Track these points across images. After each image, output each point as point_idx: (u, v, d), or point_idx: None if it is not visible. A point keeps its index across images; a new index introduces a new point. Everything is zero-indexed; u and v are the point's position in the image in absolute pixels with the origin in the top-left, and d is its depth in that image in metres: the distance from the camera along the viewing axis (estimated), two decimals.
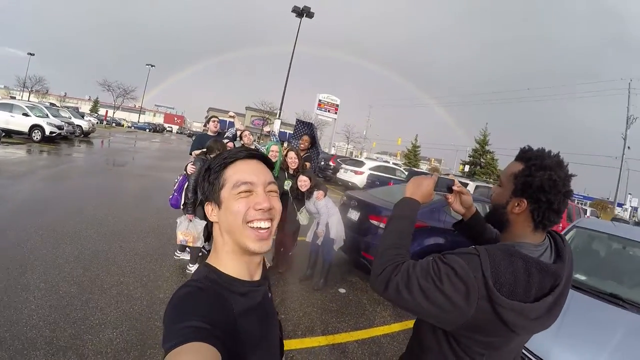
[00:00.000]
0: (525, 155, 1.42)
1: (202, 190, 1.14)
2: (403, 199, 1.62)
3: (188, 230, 5.40)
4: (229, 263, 1.08)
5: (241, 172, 1.09)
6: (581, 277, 4.11)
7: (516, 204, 1.40)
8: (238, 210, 1.05)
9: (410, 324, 4.98)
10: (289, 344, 4.16)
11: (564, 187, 1.34)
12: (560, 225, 11.13)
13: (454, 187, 1.76)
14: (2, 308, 3.90)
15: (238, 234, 1.06)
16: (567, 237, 4.77)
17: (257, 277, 1.14)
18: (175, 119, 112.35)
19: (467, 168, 51.02)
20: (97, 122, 58.04)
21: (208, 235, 1.19)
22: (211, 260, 1.11)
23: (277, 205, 1.14)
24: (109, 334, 3.75)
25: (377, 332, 4.85)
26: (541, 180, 1.32)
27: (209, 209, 1.12)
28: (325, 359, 4.06)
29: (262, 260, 1.19)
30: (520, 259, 1.30)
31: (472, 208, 1.82)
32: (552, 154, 1.40)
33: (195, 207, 5.48)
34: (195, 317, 0.87)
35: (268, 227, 1.09)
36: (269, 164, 1.21)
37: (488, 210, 1.61)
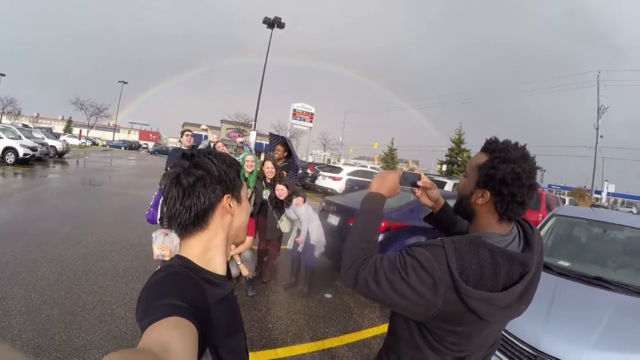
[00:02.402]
0: (490, 147, 1.42)
1: (221, 181, 1.13)
2: (369, 194, 1.62)
3: (164, 244, 5.34)
4: (211, 257, 1.13)
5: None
6: (565, 264, 4.17)
7: (480, 195, 1.41)
8: (249, 210, 1.25)
9: None
10: (278, 353, 4.15)
11: (528, 180, 1.34)
12: (540, 215, 11.27)
13: (420, 183, 1.79)
14: None
15: (242, 229, 1.25)
16: (546, 226, 4.85)
17: (225, 272, 1.18)
18: (151, 135, 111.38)
19: (444, 167, 51.47)
20: (83, 143, 57.41)
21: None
22: (189, 255, 1.11)
23: None
24: (95, 354, 3.70)
25: (366, 334, 4.85)
26: (504, 174, 1.33)
27: (227, 200, 1.15)
28: None
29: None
30: (486, 249, 1.30)
31: (440, 200, 1.85)
32: (517, 145, 1.40)
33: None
34: (173, 296, 0.90)
35: None
36: None
37: None
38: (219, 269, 1.15)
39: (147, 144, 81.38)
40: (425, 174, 1.94)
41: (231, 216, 1.17)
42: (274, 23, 29.48)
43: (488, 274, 1.27)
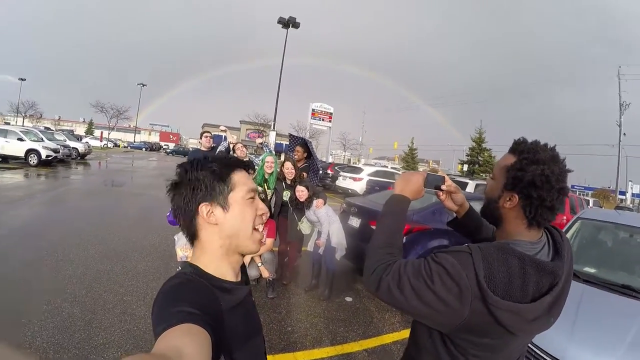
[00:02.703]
0: (518, 148, 1.36)
1: (191, 191, 1.13)
2: (392, 196, 1.56)
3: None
4: (217, 265, 1.13)
5: (247, 179, 1.19)
6: (591, 270, 4.04)
7: (507, 199, 1.34)
8: (251, 215, 1.15)
9: None
10: (297, 357, 4.11)
11: (558, 184, 1.27)
12: (565, 218, 11.03)
13: (444, 187, 1.72)
14: (5, 330, 3.89)
15: (244, 237, 1.14)
16: (571, 230, 4.71)
17: (239, 278, 1.20)
18: (171, 136, 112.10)
19: (465, 167, 50.92)
20: (105, 145, 58.34)
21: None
22: (197, 262, 1.14)
23: None
24: (113, 353, 3.70)
25: (386, 339, 4.77)
26: (533, 175, 1.26)
27: (206, 210, 1.12)
28: None
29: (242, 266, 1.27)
30: (515, 258, 1.23)
31: (465, 205, 1.77)
32: (547, 147, 1.33)
33: None
34: (186, 303, 0.91)
35: (264, 229, 1.20)
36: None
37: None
38: (228, 276, 1.15)
39: (168, 145, 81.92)
40: (446, 175, 1.87)
41: (215, 225, 1.13)
42: (288, 23, 29.47)
43: (517, 284, 1.20)
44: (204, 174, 1.13)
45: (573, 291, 1.42)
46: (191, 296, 0.96)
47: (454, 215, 1.82)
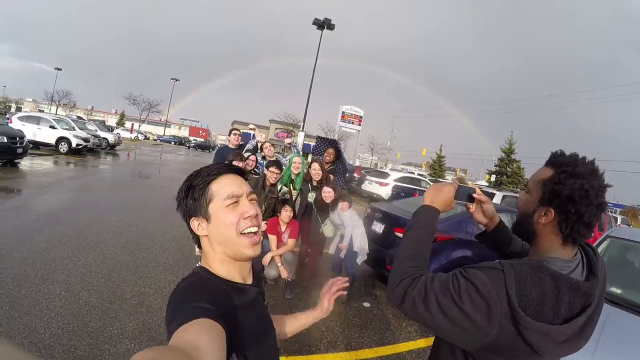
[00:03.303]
0: (556, 161, 1.29)
1: (185, 207, 1.20)
2: (422, 207, 1.53)
3: None
4: (222, 269, 1.16)
5: (227, 185, 1.18)
6: (617, 291, 3.90)
7: (543, 214, 1.28)
8: (231, 221, 1.14)
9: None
10: None
11: (597, 199, 1.20)
12: (593, 235, 10.80)
13: (475, 195, 1.68)
14: (22, 314, 3.90)
15: (232, 244, 1.15)
16: (600, 249, 4.55)
17: (249, 281, 1.22)
18: (200, 132, 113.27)
19: (493, 178, 50.38)
20: (136, 137, 59.46)
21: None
22: (204, 265, 1.19)
23: (260, 211, 1.24)
24: (127, 344, 3.70)
25: (402, 348, 4.69)
26: (571, 189, 1.20)
27: (195, 224, 1.18)
28: None
29: (253, 269, 1.28)
30: (548, 276, 1.17)
31: (495, 218, 1.71)
32: (586, 160, 1.26)
33: None
34: (201, 300, 0.93)
35: (257, 231, 1.19)
36: (244, 176, 1.29)
37: (514, 220, 1.49)
38: (236, 279, 1.17)
39: (190, 140, 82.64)
40: (477, 186, 1.82)
41: (205, 235, 1.18)
42: (323, 24, 29.36)
43: (549, 304, 1.15)
44: (187, 192, 1.19)
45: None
46: (206, 293, 0.99)
47: (483, 228, 1.77)
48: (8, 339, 2.93)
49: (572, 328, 1.16)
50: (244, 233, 1.15)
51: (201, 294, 0.98)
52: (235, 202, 1.17)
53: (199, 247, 1.22)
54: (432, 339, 4.45)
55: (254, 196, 1.25)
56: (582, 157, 1.28)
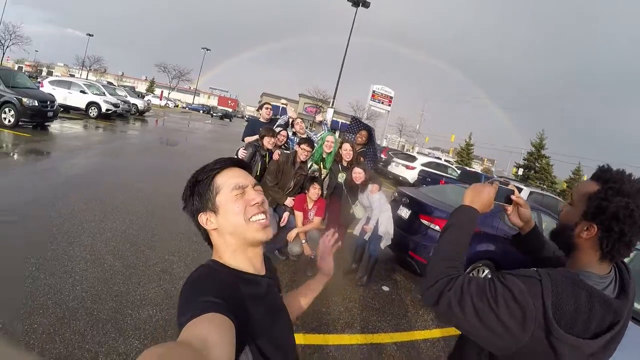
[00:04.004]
0: (603, 176, 1.28)
1: (192, 203, 1.22)
2: (461, 207, 1.51)
3: None
4: (234, 262, 1.17)
5: (232, 177, 1.21)
6: (637, 306, 3.81)
7: (585, 228, 1.27)
8: (239, 209, 1.17)
9: (451, 331, 4.87)
10: (327, 339, 4.09)
11: None
12: (630, 254, 10.59)
13: (513, 197, 1.67)
14: (47, 275, 3.97)
15: (242, 231, 1.16)
16: (626, 259, 4.44)
17: (262, 272, 1.23)
18: (229, 102, 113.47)
19: (520, 171, 49.72)
20: (166, 104, 60.19)
21: None
22: (216, 257, 1.20)
23: (266, 199, 1.28)
24: (149, 310, 3.76)
25: (417, 335, 4.69)
26: (617, 207, 1.18)
27: (204, 219, 1.19)
28: (362, 358, 3.95)
29: (267, 262, 1.32)
30: (584, 291, 1.18)
31: (531, 222, 1.70)
32: (632, 178, 1.25)
33: None
34: (210, 293, 0.94)
35: (264, 217, 1.21)
36: (248, 169, 1.32)
37: (541, 219, 1.49)
38: (249, 269, 1.18)
39: (222, 109, 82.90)
40: (500, 176, 1.81)
41: (215, 229, 1.19)
42: (359, 2, 28.92)
43: (582, 318, 1.16)
44: (192, 189, 1.22)
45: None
46: (215, 286, 0.99)
47: (512, 226, 1.77)
48: (8, 338, 3.02)
49: (599, 343, 1.17)
50: (253, 220, 1.18)
51: (210, 287, 0.99)
52: (242, 192, 1.20)
53: (209, 244, 1.24)
54: (447, 330, 4.43)
55: (259, 187, 1.28)
56: (628, 173, 1.27)
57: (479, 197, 1.51)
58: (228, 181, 1.20)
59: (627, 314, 1.25)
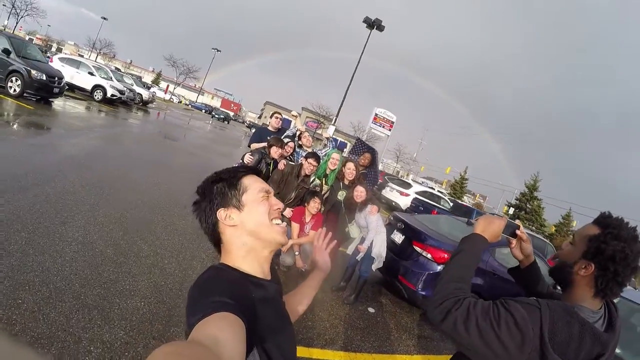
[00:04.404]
0: (605, 221, 1.43)
1: (208, 200, 1.23)
2: (474, 235, 1.60)
3: None
4: (245, 264, 1.18)
5: (258, 182, 1.28)
6: (617, 350, 3.93)
7: (583, 266, 1.41)
8: (265, 210, 1.22)
9: (432, 359, 4.95)
10: (312, 352, 4.09)
11: (634, 262, 1.34)
12: (620, 294, 10.84)
13: (518, 232, 1.81)
14: (37, 252, 3.94)
15: (265, 231, 1.21)
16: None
17: (269, 277, 1.25)
18: (232, 105, 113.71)
19: (511, 210, 49.89)
20: (171, 99, 60.41)
21: None
22: (225, 261, 1.21)
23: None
24: (137, 302, 3.72)
25: (398, 359, 4.71)
26: (614, 250, 1.33)
27: (224, 214, 1.20)
28: None
29: (272, 270, 1.32)
30: (577, 322, 1.29)
31: (531, 257, 1.85)
32: (629, 225, 1.40)
33: None
34: (220, 294, 0.95)
35: (283, 223, 1.27)
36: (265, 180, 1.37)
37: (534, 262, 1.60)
38: (258, 273, 1.19)
39: (223, 110, 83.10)
40: (491, 214, 1.96)
41: (235, 226, 1.20)
42: (373, 24, 28.93)
43: (573, 347, 1.27)
44: (216, 186, 1.24)
45: None
46: (225, 287, 1.00)
47: (510, 261, 1.90)
48: (8, 336, 2.98)
49: None
50: (275, 223, 1.24)
51: (220, 287, 0.99)
52: (267, 196, 1.26)
53: (217, 245, 1.25)
54: (429, 357, 4.44)
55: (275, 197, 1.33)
56: (626, 222, 1.42)
57: (490, 227, 1.61)
58: (255, 183, 1.26)
59: (612, 348, 1.37)
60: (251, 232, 1.20)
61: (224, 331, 0.81)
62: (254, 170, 1.33)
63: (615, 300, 4.08)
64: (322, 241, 1.72)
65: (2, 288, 3.21)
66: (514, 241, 1.82)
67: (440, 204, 22.34)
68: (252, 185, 1.25)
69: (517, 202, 51.89)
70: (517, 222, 1.96)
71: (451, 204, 23.62)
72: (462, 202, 33.79)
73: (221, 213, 1.20)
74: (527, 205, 50.46)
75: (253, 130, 8.03)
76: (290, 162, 6.20)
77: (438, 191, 30.84)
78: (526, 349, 1.24)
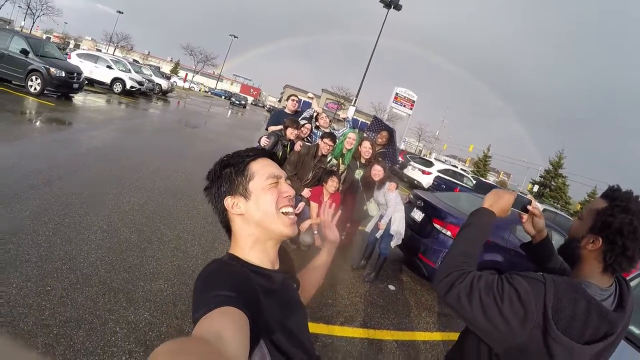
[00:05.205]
0: (612, 194, 1.37)
1: (217, 186, 1.21)
2: (481, 209, 1.58)
3: None
4: (250, 253, 1.16)
5: (267, 166, 1.22)
6: (637, 331, 3.75)
7: (591, 241, 1.35)
8: (272, 198, 1.17)
9: (452, 336, 4.89)
10: (330, 329, 4.15)
11: None
12: (632, 269, 10.44)
13: (530, 207, 1.74)
14: (63, 242, 4.06)
15: (271, 221, 1.16)
16: (634, 282, 4.42)
17: (276, 266, 1.23)
18: (252, 90, 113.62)
19: (535, 188, 49.15)
20: (192, 87, 60.69)
21: None
22: (233, 251, 1.19)
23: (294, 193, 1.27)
24: (160, 284, 3.83)
25: (418, 336, 4.73)
26: (621, 223, 1.28)
27: (231, 202, 1.18)
28: (362, 352, 4.00)
29: (285, 255, 1.33)
30: (583, 299, 1.26)
31: (543, 232, 1.78)
32: (639, 198, 1.34)
33: None
34: (223, 287, 0.93)
35: (293, 212, 1.22)
36: (279, 163, 1.32)
37: (551, 236, 1.55)
38: (263, 264, 1.17)
39: (236, 95, 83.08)
40: (531, 197, 1.87)
41: (242, 215, 1.18)
42: (391, 3, 28.46)
43: (578, 324, 1.24)
44: (224, 171, 1.20)
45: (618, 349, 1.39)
46: (228, 280, 0.99)
47: (529, 238, 1.83)
48: (10, 336, 3.09)
49: (591, 351, 1.25)
50: (283, 211, 1.18)
51: (222, 281, 0.97)
52: (276, 183, 1.20)
53: (228, 231, 1.24)
54: (448, 334, 4.46)
55: (289, 181, 1.27)
56: (636, 195, 1.36)
57: (499, 202, 1.58)
58: (263, 169, 1.20)
59: (623, 328, 1.32)
60: (258, 222, 1.16)
61: (227, 327, 0.81)
62: (264, 152, 1.28)
63: (636, 278, 3.93)
64: (329, 215, 1.61)
65: (32, 276, 3.34)
66: (525, 216, 1.77)
67: (463, 182, 22.12)
68: (260, 171, 1.19)
69: (542, 179, 51.09)
70: (529, 196, 1.90)
71: (474, 182, 23.32)
72: (485, 180, 33.37)
73: (228, 201, 1.18)
74: (552, 183, 49.64)
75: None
76: (307, 143, 6.20)
77: (461, 169, 30.52)
78: (528, 324, 1.23)
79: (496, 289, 1.29)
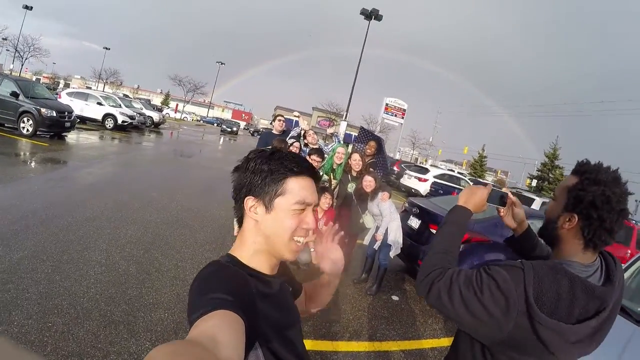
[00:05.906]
0: (581, 169, 1.35)
1: (247, 182, 1.14)
2: (456, 207, 1.60)
3: None
4: (252, 258, 1.14)
5: (304, 189, 1.13)
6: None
7: (567, 219, 1.33)
8: (290, 226, 1.11)
9: None
10: (335, 345, 4.13)
11: (619, 205, 1.26)
12: (629, 251, 10.44)
13: (508, 198, 1.76)
14: (62, 278, 4.08)
15: (279, 243, 1.12)
16: (634, 266, 4.42)
17: (274, 272, 1.20)
18: (243, 115, 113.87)
19: (534, 182, 48.93)
20: (185, 118, 60.90)
21: None
22: (235, 252, 1.17)
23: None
24: (161, 314, 3.84)
25: (425, 344, 4.71)
26: (593, 196, 1.26)
27: (251, 203, 1.13)
28: None
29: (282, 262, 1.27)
30: (565, 278, 1.23)
31: (524, 224, 1.78)
32: (609, 168, 1.32)
33: None
34: (219, 290, 0.92)
35: (303, 242, 1.16)
36: (319, 182, 1.25)
37: None
38: (263, 269, 1.15)
39: (237, 122, 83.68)
40: (512, 188, 1.89)
41: (255, 220, 1.13)
42: (371, 15, 28.71)
43: (564, 304, 1.21)
44: (261, 169, 1.13)
45: (623, 329, 1.38)
46: (225, 283, 0.98)
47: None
48: (9, 339, 3.10)
49: (584, 330, 1.22)
50: (294, 239, 1.13)
51: (219, 284, 0.96)
52: (302, 210, 1.14)
53: (240, 224, 1.20)
54: None
55: (316, 208, 1.25)
56: (606, 165, 1.33)
57: (473, 198, 1.60)
58: (298, 191, 1.13)
59: (615, 302, 1.30)
60: (267, 236, 1.12)
61: (222, 330, 0.80)
62: (310, 172, 1.19)
63: (637, 262, 3.91)
64: (331, 237, 1.50)
65: (32, 313, 3.36)
66: (502, 210, 1.78)
67: (460, 185, 22.08)
68: (294, 192, 1.12)
69: (539, 173, 50.92)
70: (505, 189, 1.91)
71: (471, 184, 23.35)
72: (482, 181, 33.34)
73: (249, 201, 1.13)
74: (550, 175, 49.39)
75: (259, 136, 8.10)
76: None
77: (458, 172, 30.55)
78: (512, 313, 1.20)
79: (475, 282, 1.28)
